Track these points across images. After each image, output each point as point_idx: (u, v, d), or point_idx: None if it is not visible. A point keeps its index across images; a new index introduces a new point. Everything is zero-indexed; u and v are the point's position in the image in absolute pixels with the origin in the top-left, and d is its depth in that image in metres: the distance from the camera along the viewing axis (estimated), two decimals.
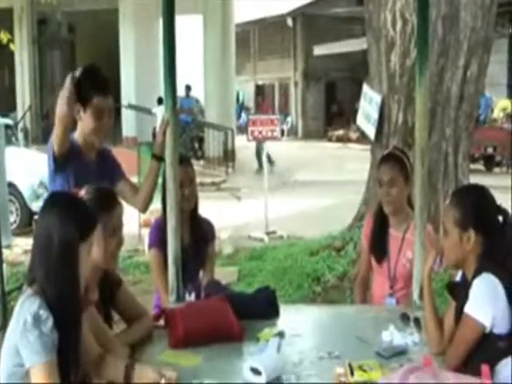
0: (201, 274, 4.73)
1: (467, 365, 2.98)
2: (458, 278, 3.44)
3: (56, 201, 2.98)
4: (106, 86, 4.34)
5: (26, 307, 2.74)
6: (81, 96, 4.17)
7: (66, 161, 4.18)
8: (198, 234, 4.67)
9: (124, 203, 3.77)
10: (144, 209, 4.60)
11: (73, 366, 2.86)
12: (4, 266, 7.45)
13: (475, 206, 3.29)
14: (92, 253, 3.28)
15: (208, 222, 4.83)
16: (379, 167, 4.56)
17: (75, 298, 2.86)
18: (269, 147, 12.81)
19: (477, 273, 3.21)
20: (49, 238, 2.80)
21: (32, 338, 2.68)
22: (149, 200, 4.50)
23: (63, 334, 2.77)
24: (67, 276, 2.81)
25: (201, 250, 4.69)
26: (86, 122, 4.25)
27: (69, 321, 2.81)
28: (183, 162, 4.54)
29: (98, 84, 4.28)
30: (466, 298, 3.18)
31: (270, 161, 21.16)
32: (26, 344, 2.70)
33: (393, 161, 4.42)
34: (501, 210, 3.30)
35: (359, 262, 5.05)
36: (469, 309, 3.14)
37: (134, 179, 4.52)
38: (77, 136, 4.33)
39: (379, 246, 4.53)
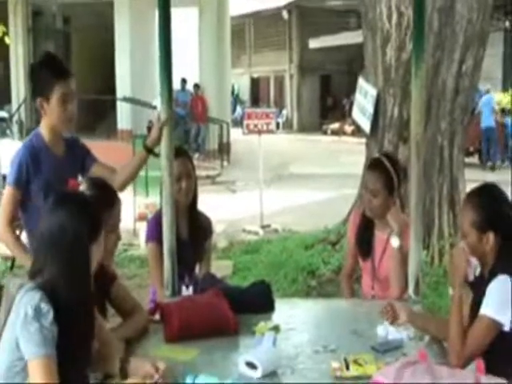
0: (197, 268, 4.74)
1: (487, 365, 2.97)
2: (473, 270, 3.36)
3: (67, 199, 2.99)
4: (66, 70, 4.22)
5: (27, 300, 2.74)
6: (42, 88, 4.11)
7: (31, 173, 4.16)
8: (196, 229, 4.66)
9: None
10: (119, 190, 4.46)
11: (79, 362, 2.87)
12: None
13: (491, 208, 3.29)
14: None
15: (206, 216, 4.83)
16: (366, 172, 4.57)
17: (88, 293, 2.90)
18: (254, 140, 12.76)
19: (493, 272, 3.22)
20: (62, 235, 2.81)
21: (32, 330, 2.69)
22: (126, 184, 4.43)
23: (68, 329, 2.78)
24: (82, 272, 2.85)
25: (198, 244, 4.69)
26: (51, 113, 4.14)
27: (79, 316, 2.82)
28: (181, 154, 4.53)
29: (58, 70, 4.16)
30: (481, 294, 3.18)
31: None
32: (26, 336, 2.70)
33: (379, 171, 4.38)
34: None
35: (346, 257, 5.05)
36: (486, 310, 3.12)
37: None
38: (42, 131, 4.24)
39: (364, 246, 4.55)
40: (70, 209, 2.86)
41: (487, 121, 19.91)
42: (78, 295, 2.82)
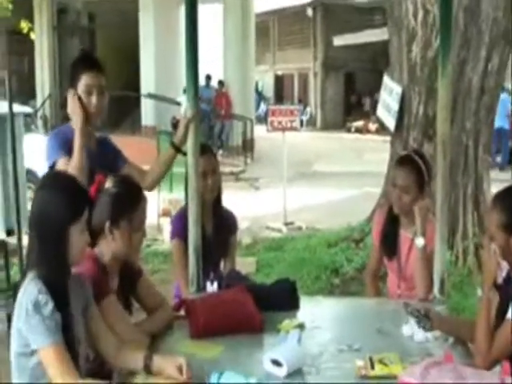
0: (222, 264, 4.76)
1: None
2: (503, 273, 3.30)
3: (49, 181, 3.06)
4: (95, 64, 4.24)
5: (27, 293, 2.81)
6: (72, 79, 4.15)
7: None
8: (221, 225, 4.68)
9: None
10: (149, 190, 4.35)
11: (75, 342, 2.93)
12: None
13: None
14: (115, 244, 3.31)
15: (231, 212, 4.85)
16: (395, 168, 4.52)
17: (62, 277, 2.92)
18: (277, 137, 12.72)
19: None
20: (40, 218, 2.88)
21: (35, 323, 2.77)
22: (155, 184, 4.43)
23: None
24: (55, 255, 2.87)
25: (223, 240, 4.72)
26: None
27: (59, 299, 2.86)
28: (206, 151, 4.55)
29: (86, 63, 4.22)
30: (509, 297, 3.14)
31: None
32: (31, 329, 2.78)
33: (410, 166, 4.34)
34: None
35: (370, 256, 5.02)
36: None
37: None
38: (72, 125, 4.20)
39: (390, 245, 4.53)
40: (49, 191, 2.91)
41: (499, 121, 19.47)
42: (52, 273, 2.86)
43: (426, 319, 3.44)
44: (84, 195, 3.01)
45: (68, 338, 2.85)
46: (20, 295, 2.84)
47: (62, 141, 4.09)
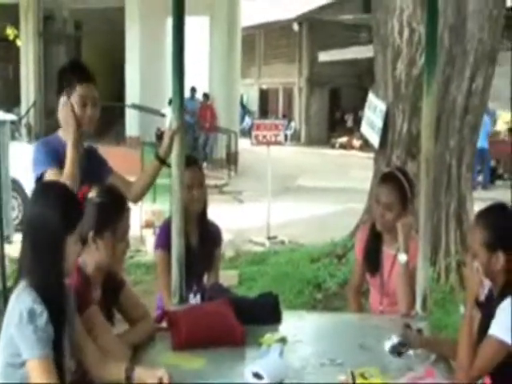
0: (205, 276, 4.75)
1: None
2: (485, 290, 3.34)
3: (44, 191, 3.04)
4: (89, 75, 4.21)
5: (21, 301, 2.79)
6: (65, 90, 4.11)
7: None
8: (206, 237, 4.68)
9: None
10: (134, 202, 4.38)
11: (63, 356, 2.91)
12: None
13: (501, 227, 3.26)
14: (99, 254, 3.31)
15: (216, 225, 4.86)
16: (378, 185, 4.54)
17: (60, 288, 2.91)
18: (261, 150, 12.73)
19: (503, 292, 3.21)
20: (35, 228, 2.86)
21: (28, 333, 2.74)
22: (141, 196, 4.43)
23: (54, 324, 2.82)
24: (52, 265, 2.86)
25: (208, 252, 4.72)
26: None
27: (54, 310, 2.84)
28: (192, 163, 4.56)
29: (81, 74, 4.18)
30: (490, 314, 3.17)
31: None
32: (22, 338, 2.75)
33: (393, 183, 4.35)
34: None
35: (353, 272, 5.03)
36: (494, 330, 3.11)
37: None
38: (61, 133, 4.18)
39: (373, 262, 4.53)
40: (44, 202, 2.90)
41: (481, 142, 19.52)
42: (48, 289, 2.83)
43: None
44: (79, 206, 3.01)
45: (58, 352, 2.83)
46: (12, 303, 2.82)
47: (51, 151, 4.06)
